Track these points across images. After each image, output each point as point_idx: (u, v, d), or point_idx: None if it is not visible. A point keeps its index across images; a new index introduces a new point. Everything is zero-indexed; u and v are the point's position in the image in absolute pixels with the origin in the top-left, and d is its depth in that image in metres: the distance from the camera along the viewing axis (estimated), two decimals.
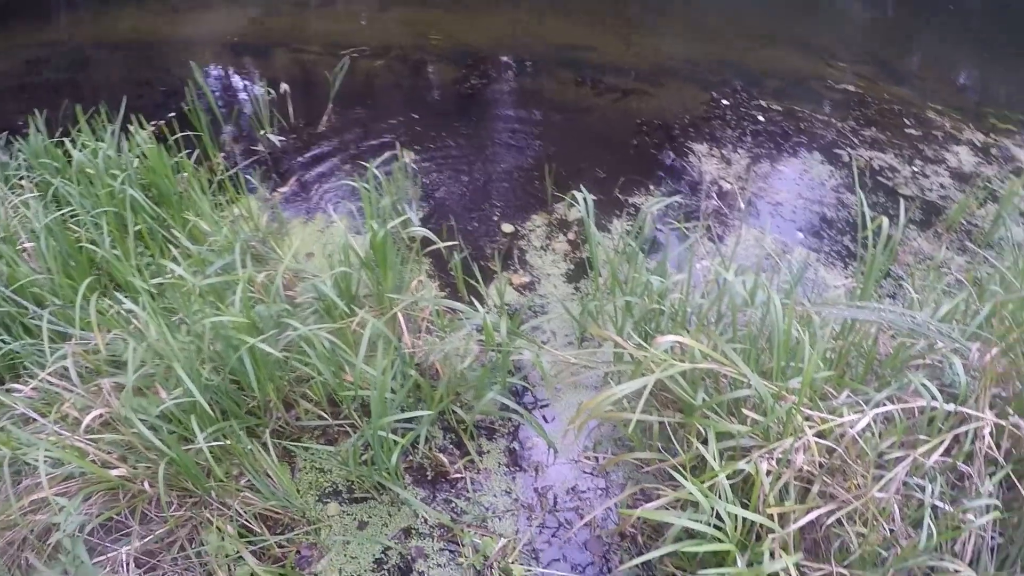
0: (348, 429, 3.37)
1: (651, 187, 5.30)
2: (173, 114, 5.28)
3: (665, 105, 6.52)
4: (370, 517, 3.10)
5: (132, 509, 2.91)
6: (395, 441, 3.02)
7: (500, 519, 3.12)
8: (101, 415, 2.87)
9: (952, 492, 2.61)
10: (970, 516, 2.42)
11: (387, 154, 4.85)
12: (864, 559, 2.42)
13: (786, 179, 5.55)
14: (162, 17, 8.08)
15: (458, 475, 3.28)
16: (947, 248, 4.84)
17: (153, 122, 5.34)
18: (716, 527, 2.44)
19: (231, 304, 3.10)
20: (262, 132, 5.58)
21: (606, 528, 3.10)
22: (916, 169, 5.76)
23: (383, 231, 3.54)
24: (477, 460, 3.34)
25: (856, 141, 6.07)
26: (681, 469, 2.58)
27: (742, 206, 5.13)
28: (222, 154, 5.22)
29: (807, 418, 2.52)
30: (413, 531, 3.06)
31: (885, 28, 8.98)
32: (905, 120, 6.51)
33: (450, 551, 2.99)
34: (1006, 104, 7.22)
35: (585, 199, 3.60)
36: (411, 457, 3.33)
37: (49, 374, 3.03)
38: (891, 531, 2.42)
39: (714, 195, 5.24)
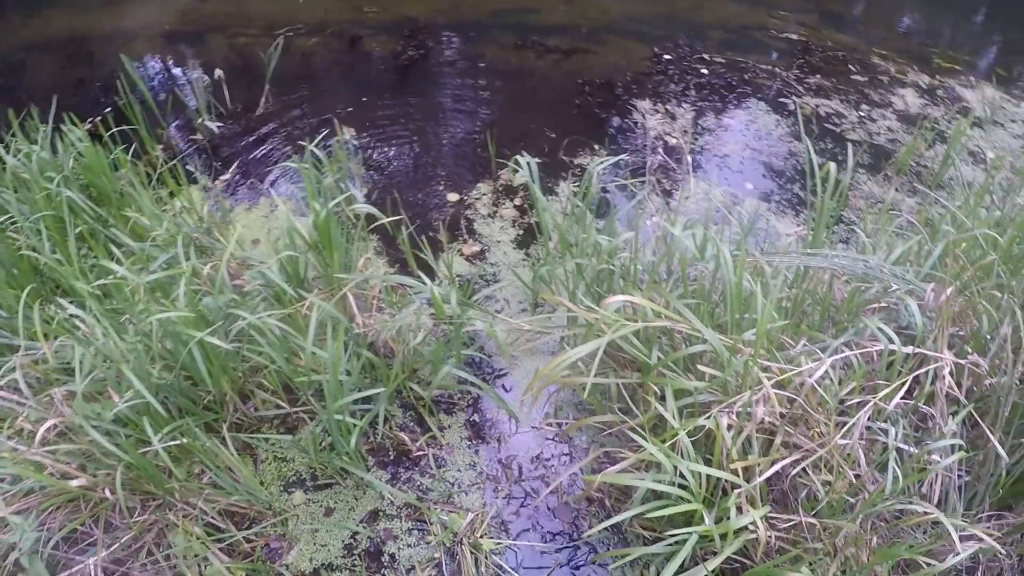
0: (307, 416, 3.33)
1: (596, 147, 5.27)
2: (109, 109, 5.16)
3: (608, 63, 6.48)
4: (336, 503, 3.07)
5: (96, 518, 2.85)
6: (354, 424, 2.97)
7: (466, 494, 3.10)
8: (55, 426, 2.80)
9: (916, 434, 2.61)
10: (935, 457, 2.42)
11: (326, 132, 4.78)
12: (832, 507, 2.41)
13: (732, 131, 5.55)
14: (95, 12, 7.88)
15: (421, 453, 3.24)
16: (897, 190, 4.85)
17: (89, 119, 5.22)
18: (681, 486, 2.42)
19: (177, 299, 3.02)
20: (200, 120, 5.47)
21: (573, 494, 3.08)
22: (863, 114, 5.77)
23: (325, 211, 3.47)
24: (439, 436, 3.30)
25: (801, 89, 6.07)
26: (641, 430, 2.55)
27: (689, 160, 5.11)
28: (160, 146, 5.10)
29: (765, 369, 2.50)
30: (380, 513, 3.03)
31: None
32: (850, 66, 6.53)
33: (419, 530, 2.96)
34: (950, 45, 7.28)
35: (529, 164, 3.55)
36: (372, 439, 3.29)
37: None
38: (857, 477, 2.42)
39: (660, 151, 5.21)
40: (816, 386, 2.41)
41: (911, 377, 2.48)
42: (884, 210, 3.76)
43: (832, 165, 3.04)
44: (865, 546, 2.40)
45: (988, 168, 4.95)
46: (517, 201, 4.75)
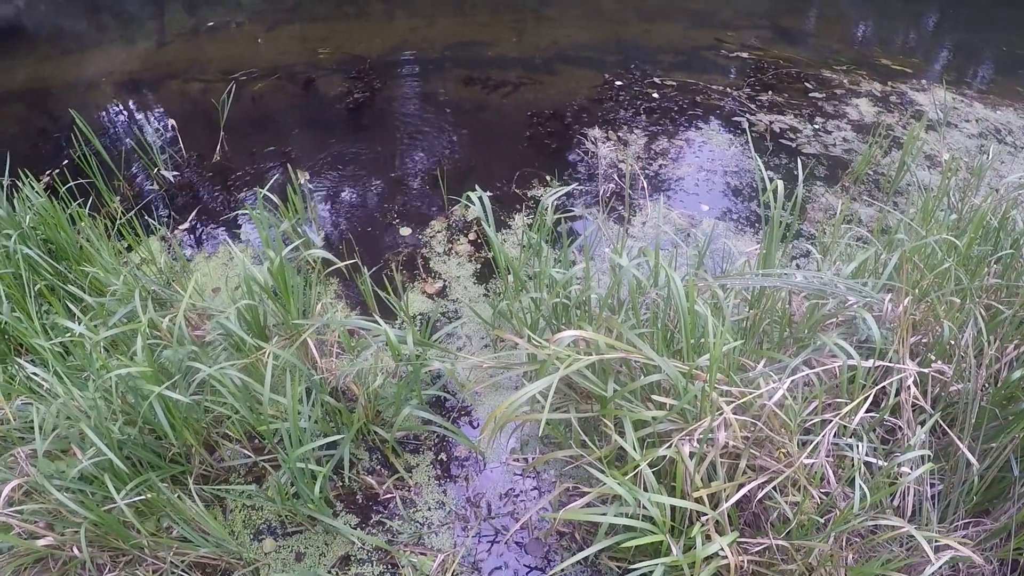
0: (273, 464, 3.30)
1: (548, 178, 5.28)
2: (66, 162, 5.14)
3: (558, 93, 6.52)
4: (307, 548, 3.04)
5: None
6: (318, 471, 2.95)
7: (436, 534, 3.08)
8: (20, 485, 2.77)
9: (885, 447, 2.61)
10: (905, 469, 2.42)
11: (280, 176, 4.76)
12: (803, 527, 2.40)
13: (686, 153, 5.58)
14: (55, 61, 7.89)
15: (388, 495, 3.22)
16: (855, 200, 4.88)
17: (47, 172, 5.21)
18: (648, 517, 2.41)
19: (135, 354, 3.00)
20: (155, 170, 5.44)
21: (543, 529, 3.06)
22: (818, 127, 5.82)
23: (279, 258, 3.45)
24: (406, 477, 3.29)
25: (754, 107, 6.12)
26: (601, 463, 2.54)
27: (644, 185, 5.12)
28: (118, 197, 5.08)
29: (725, 394, 2.49)
30: (351, 558, 3.00)
31: None
32: (802, 80, 6.59)
33: (390, 574, 2.94)
34: (900, 50, 7.37)
35: (481, 198, 3.54)
36: (339, 483, 3.26)
37: None
38: (827, 495, 2.41)
39: (614, 177, 5.23)
40: (775, 409, 2.40)
41: (874, 390, 2.48)
42: (838, 222, 3.77)
43: (780, 181, 3.05)
44: (841, 564, 2.39)
45: (943, 171, 4.99)
46: (472, 236, 4.75)
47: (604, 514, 2.45)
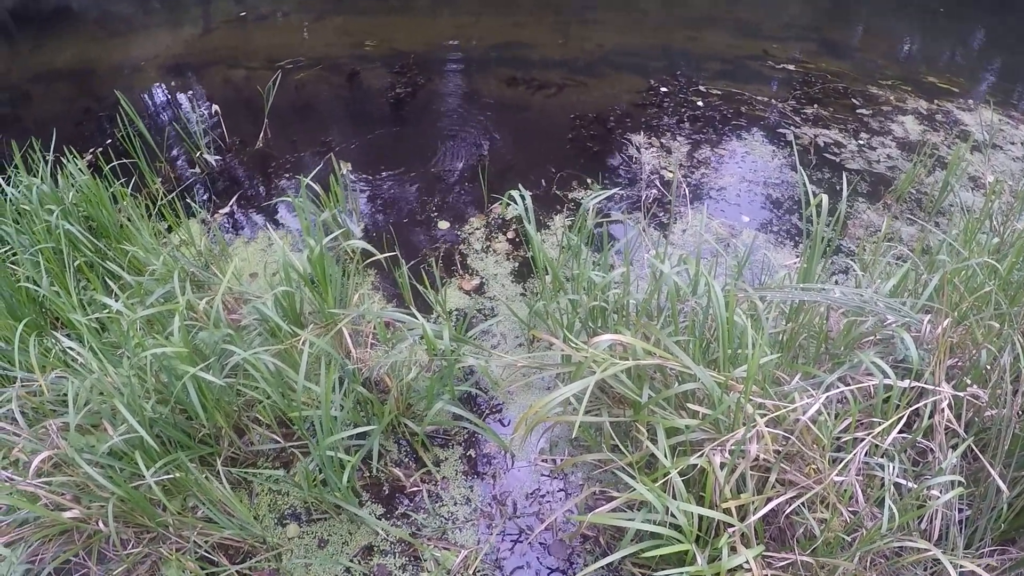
0: (301, 451, 3.32)
1: (590, 181, 5.26)
2: (110, 141, 5.20)
3: (602, 97, 6.51)
4: (330, 536, 3.06)
5: (89, 550, 2.87)
6: (347, 460, 2.96)
7: (460, 530, 3.08)
8: (50, 457, 2.81)
9: (915, 468, 2.58)
10: (935, 492, 2.39)
11: (322, 166, 4.78)
12: (829, 545, 2.38)
13: (729, 163, 5.54)
14: (102, 43, 7.99)
15: (415, 488, 3.23)
16: (897, 218, 4.83)
17: (91, 150, 5.26)
18: (674, 526, 2.40)
19: (172, 334, 3.02)
20: (198, 154, 5.49)
21: (568, 531, 3.05)
22: (862, 142, 5.76)
23: (319, 247, 3.47)
24: (434, 471, 3.29)
25: (799, 120, 6.07)
26: (631, 469, 2.53)
27: (685, 193, 5.10)
28: (160, 179, 5.12)
29: (758, 406, 2.48)
30: (374, 548, 3.01)
31: (826, 5, 8.98)
32: (848, 94, 6.53)
33: (412, 567, 2.94)
34: (947, 69, 7.28)
35: (523, 198, 3.54)
36: (367, 474, 3.28)
37: None
38: (855, 514, 2.39)
39: (656, 184, 5.21)
40: (810, 424, 2.38)
41: (908, 411, 2.45)
42: (880, 239, 3.74)
43: (824, 196, 3.02)
44: None
45: (987, 193, 4.93)
46: (510, 235, 4.75)
47: (632, 520, 2.44)
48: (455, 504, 3.17)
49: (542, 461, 3.32)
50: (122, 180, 4.36)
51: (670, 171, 5.36)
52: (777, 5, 8.82)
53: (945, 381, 2.56)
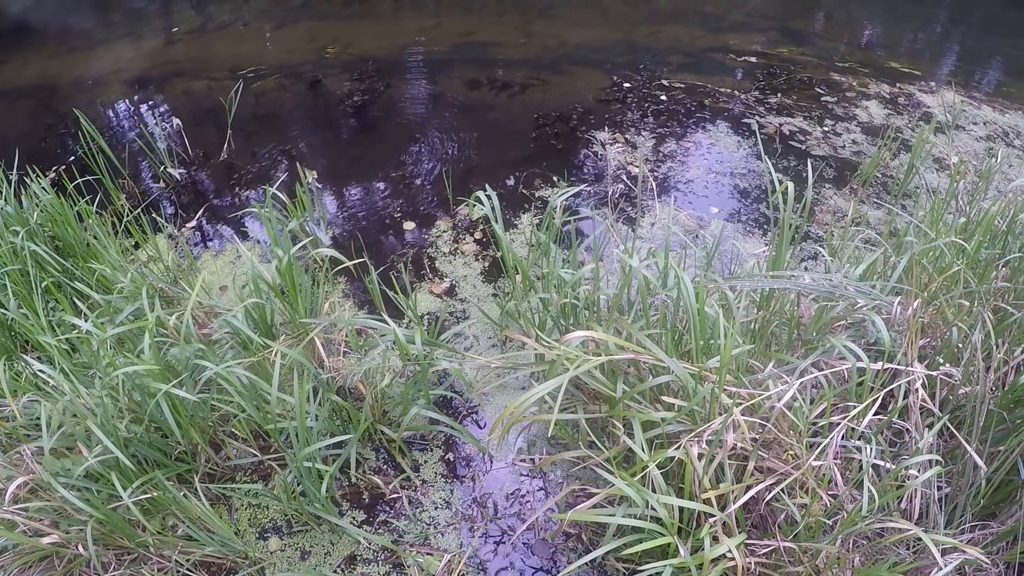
0: (279, 463, 3.30)
1: (555, 179, 5.26)
2: (73, 158, 5.15)
3: (565, 94, 6.51)
4: (312, 547, 3.04)
5: (70, 574, 2.85)
6: (324, 470, 2.95)
7: (442, 534, 3.07)
8: (26, 483, 2.78)
9: (892, 449, 2.60)
10: (913, 472, 2.41)
11: (287, 175, 4.76)
12: (811, 529, 2.39)
13: (695, 155, 5.56)
14: (62, 58, 7.91)
15: (395, 495, 3.22)
16: (864, 202, 4.86)
17: (54, 168, 5.21)
18: (655, 519, 2.40)
19: (142, 351, 3.00)
20: (162, 168, 5.45)
21: (550, 530, 3.05)
22: (827, 129, 5.80)
23: (287, 257, 3.45)
24: (413, 477, 3.28)
25: (763, 109, 6.10)
26: (610, 464, 2.53)
27: (652, 187, 5.11)
28: (124, 195, 5.08)
29: (733, 395, 2.48)
30: (357, 557, 3.00)
31: None
32: (811, 82, 6.56)
33: (396, 574, 2.93)
34: (908, 53, 7.34)
35: (490, 198, 3.54)
36: (345, 482, 3.26)
37: None
38: (834, 497, 2.40)
39: (623, 179, 5.22)
40: (785, 411, 2.39)
41: (883, 393, 2.47)
42: (848, 224, 3.76)
43: (790, 183, 3.03)
44: (847, 566, 2.38)
45: (951, 174, 4.97)
46: (478, 235, 4.75)
47: (612, 515, 2.44)
48: (436, 509, 3.17)
49: (520, 461, 3.32)
50: (87, 198, 4.31)
51: (636, 166, 5.37)
52: None
53: (918, 361, 2.58)
